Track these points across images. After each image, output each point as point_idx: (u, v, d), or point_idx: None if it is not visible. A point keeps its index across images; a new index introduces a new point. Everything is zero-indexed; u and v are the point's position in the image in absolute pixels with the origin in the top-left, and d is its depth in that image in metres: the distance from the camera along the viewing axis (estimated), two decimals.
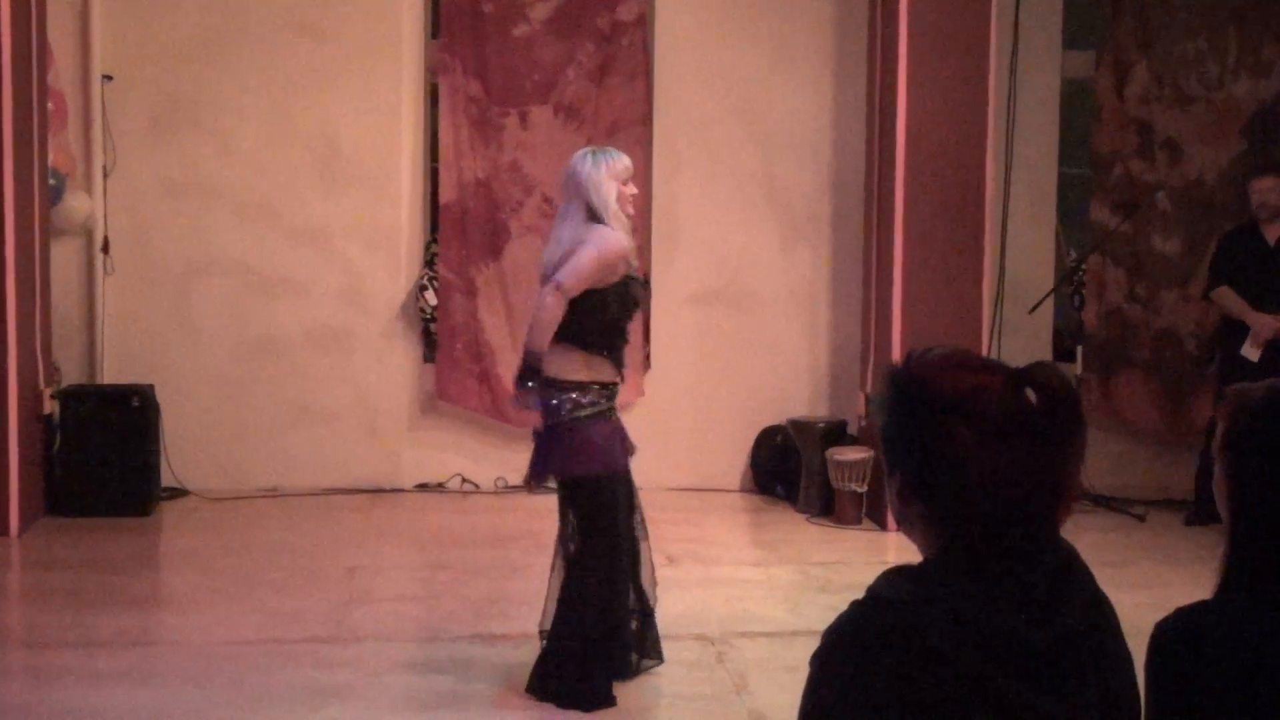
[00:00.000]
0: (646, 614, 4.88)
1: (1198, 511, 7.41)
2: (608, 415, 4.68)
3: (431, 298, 8.25)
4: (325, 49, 8.13)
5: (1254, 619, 1.84)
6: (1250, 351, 7.28)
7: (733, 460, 8.45)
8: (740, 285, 8.42)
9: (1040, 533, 1.70)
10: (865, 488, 7.49)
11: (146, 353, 8.05)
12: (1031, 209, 8.42)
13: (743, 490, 8.43)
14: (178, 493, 7.90)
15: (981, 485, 1.67)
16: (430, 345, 8.33)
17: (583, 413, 4.60)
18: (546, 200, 7.93)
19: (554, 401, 4.61)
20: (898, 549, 6.82)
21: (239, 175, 8.12)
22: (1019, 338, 8.09)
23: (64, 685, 4.82)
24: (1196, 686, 1.81)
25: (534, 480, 4.77)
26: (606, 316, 4.62)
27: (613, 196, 4.62)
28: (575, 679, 4.60)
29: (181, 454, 7.91)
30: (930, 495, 1.71)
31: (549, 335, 4.57)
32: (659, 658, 4.92)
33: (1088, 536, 6.46)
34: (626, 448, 4.75)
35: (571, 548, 4.65)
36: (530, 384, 4.60)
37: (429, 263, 8.32)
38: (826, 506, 7.67)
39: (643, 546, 4.86)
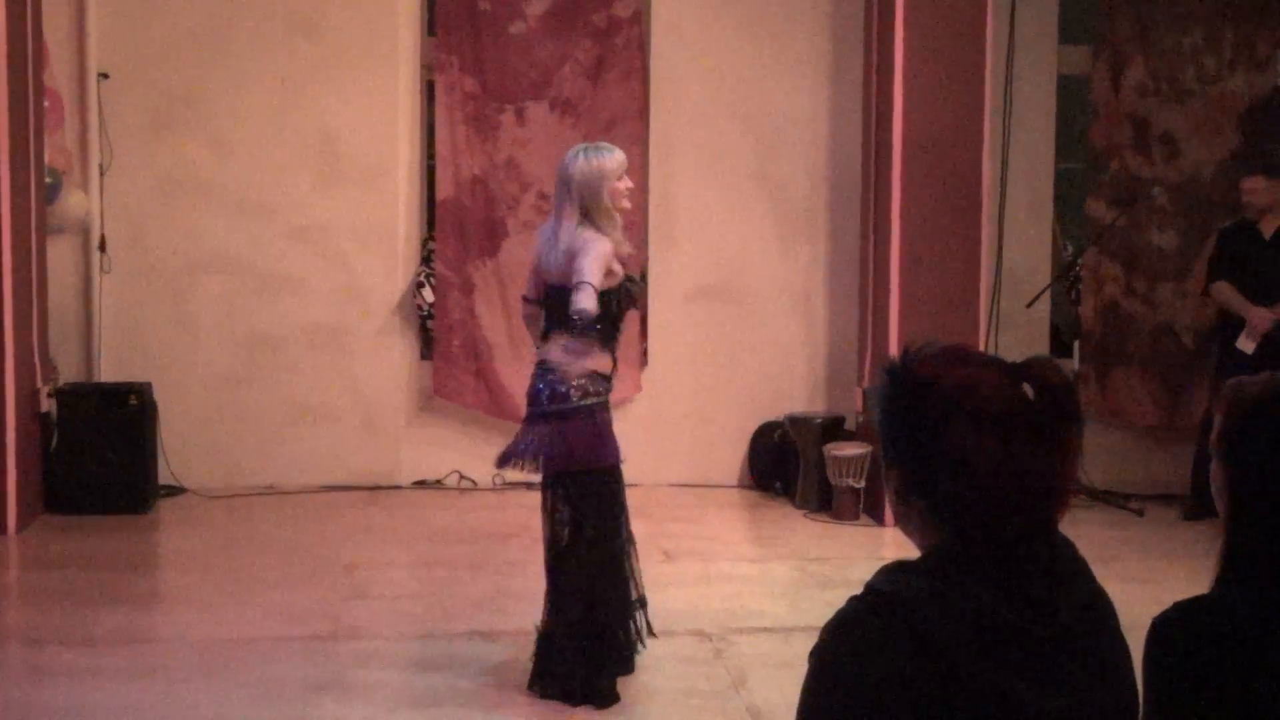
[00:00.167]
0: (642, 604, 4.88)
1: (1195, 505, 7.42)
2: (606, 407, 4.69)
3: (429, 295, 8.24)
4: (322, 47, 8.12)
5: (1251, 612, 1.84)
6: (1245, 344, 7.33)
7: (730, 456, 8.45)
8: (737, 281, 8.42)
9: (1038, 527, 1.70)
10: (863, 483, 7.49)
11: (144, 351, 8.04)
12: (1028, 204, 8.42)
13: (740, 486, 8.43)
14: (175, 490, 7.90)
15: (979, 480, 1.67)
16: (427, 342, 8.32)
17: (589, 400, 4.59)
18: (543, 197, 7.92)
19: (561, 388, 4.58)
20: (895, 544, 6.80)
21: (235, 173, 8.12)
22: (1016, 332, 8.11)
23: (62, 683, 4.81)
24: (1194, 680, 1.81)
25: (518, 461, 4.66)
26: (606, 314, 4.62)
27: (604, 194, 4.60)
28: (575, 674, 4.59)
29: (179, 452, 7.92)
30: (928, 490, 1.71)
31: (583, 343, 4.52)
32: (643, 645, 4.89)
33: (1085, 531, 6.38)
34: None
35: (563, 541, 4.62)
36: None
37: (426, 260, 8.31)
38: (824, 502, 7.67)
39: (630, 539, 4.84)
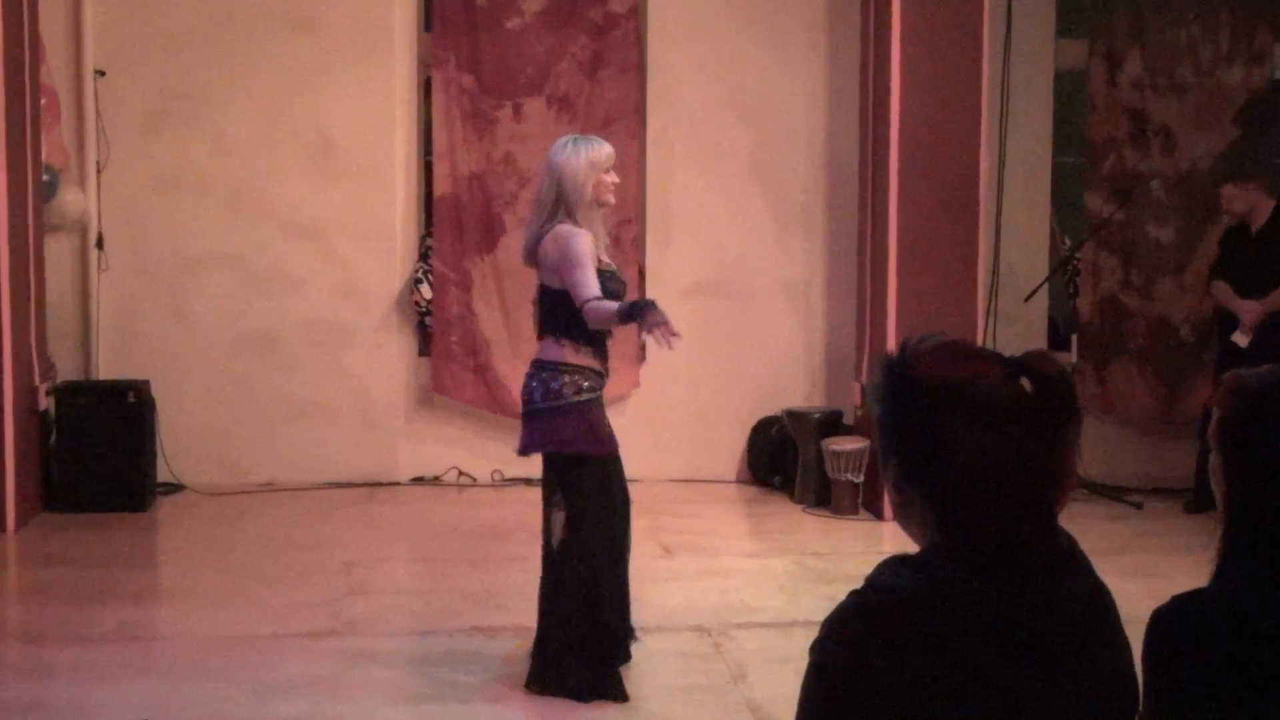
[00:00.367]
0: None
1: (1198, 498, 7.42)
2: (599, 403, 4.69)
3: (426, 291, 8.23)
4: (318, 43, 8.11)
5: (1251, 606, 1.83)
6: (1239, 339, 7.38)
7: (729, 451, 8.45)
8: (735, 276, 8.41)
9: (1037, 521, 1.69)
10: (862, 478, 7.49)
11: (142, 348, 8.03)
12: (1026, 198, 8.40)
13: (739, 481, 8.43)
14: (174, 488, 7.89)
15: (977, 474, 1.67)
16: (425, 339, 8.31)
17: (583, 396, 4.59)
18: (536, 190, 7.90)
19: (555, 384, 4.59)
20: (894, 539, 6.79)
21: (233, 170, 8.11)
22: (1014, 326, 8.10)
23: (62, 680, 4.82)
24: (1194, 674, 1.81)
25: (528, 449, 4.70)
26: (579, 315, 4.59)
27: (589, 186, 4.60)
28: (579, 671, 4.59)
29: (178, 449, 7.91)
30: (926, 485, 1.71)
31: (608, 313, 4.49)
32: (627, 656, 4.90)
33: (1084, 525, 6.36)
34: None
35: (559, 535, 4.61)
36: (644, 308, 4.44)
37: (424, 256, 8.30)
38: (823, 497, 7.66)
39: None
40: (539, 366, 4.64)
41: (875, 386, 1.77)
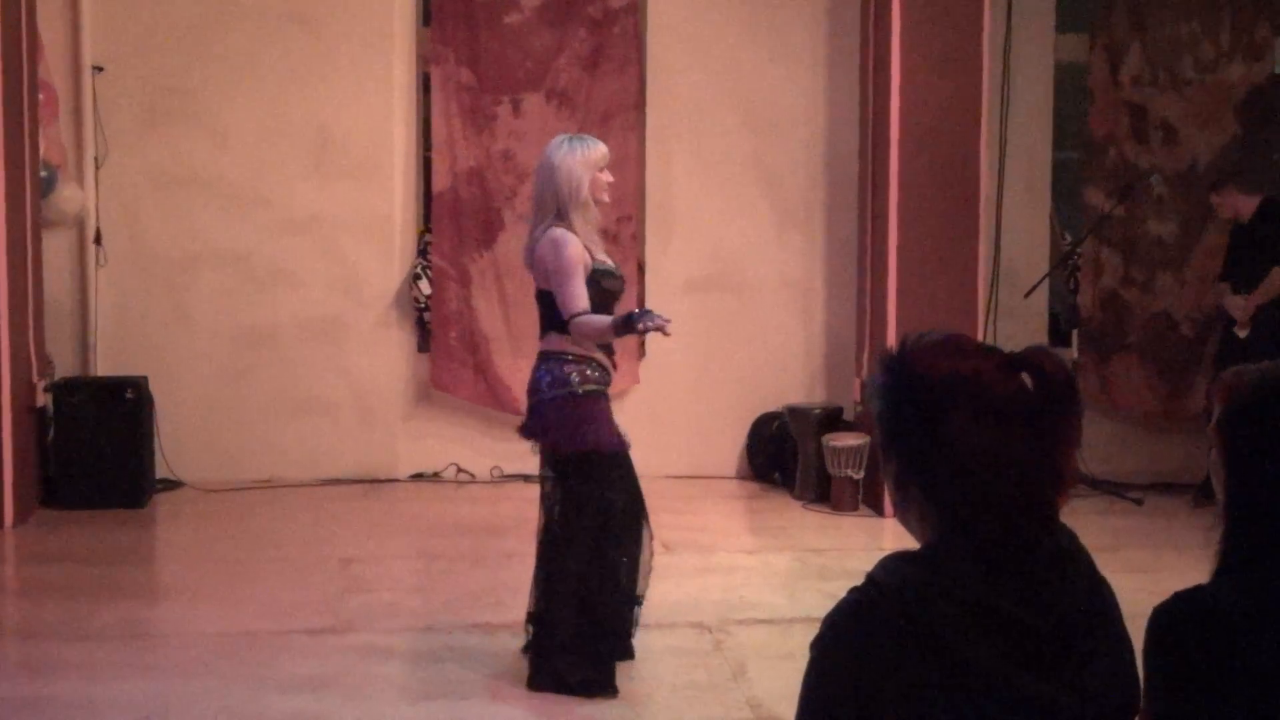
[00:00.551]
0: (636, 602, 4.85)
1: (1205, 492, 7.42)
2: (606, 397, 4.68)
3: (425, 287, 8.22)
4: (317, 38, 8.09)
5: (1251, 601, 1.83)
6: (1240, 330, 7.49)
7: (729, 447, 8.44)
8: (735, 272, 8.40)
9: (1039, 517, 1.69)
10: (862, 474, 7.48)
11: (140, 344, 8.01)
12: (1026, 193, 8.40)
13: (739, 477, 8.42)
14: (172, 484, 7.88)
15: (978, 471, 1.67)
16: (424, 335, 8.30)
17: (590, 387, 4.58)
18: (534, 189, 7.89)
19: (560, 373, 4.57)
20: (894, 535, 6.79)
21: (231, 166, 8.09)
22: (1014, 322, 8.08)
23: (60, 678, 4.80)
24: (1195, 670, 1.81)
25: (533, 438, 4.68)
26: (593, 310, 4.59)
27: (584, 186, 4.59)
28: (573, 666, 4.58)
29: (176, 445, 7.90)
30: (927, 481, 1.71)
31: (600, 326, 4.51)
32: (631, 653, 4.89)
33: (1085, 520, 6.34)
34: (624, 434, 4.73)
35: (555, 527, 4.60)
36: (638, 316, 4.42)
37: (422, 252, 8.29)
38: (823, 493, 7.65)
39: (645, 533, 4.81)
40: (545, 357, 4.64)
41: (875, 382, 1.78)
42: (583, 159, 4.59)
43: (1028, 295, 8.05)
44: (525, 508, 7.14)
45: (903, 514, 1.78)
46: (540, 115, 8.13)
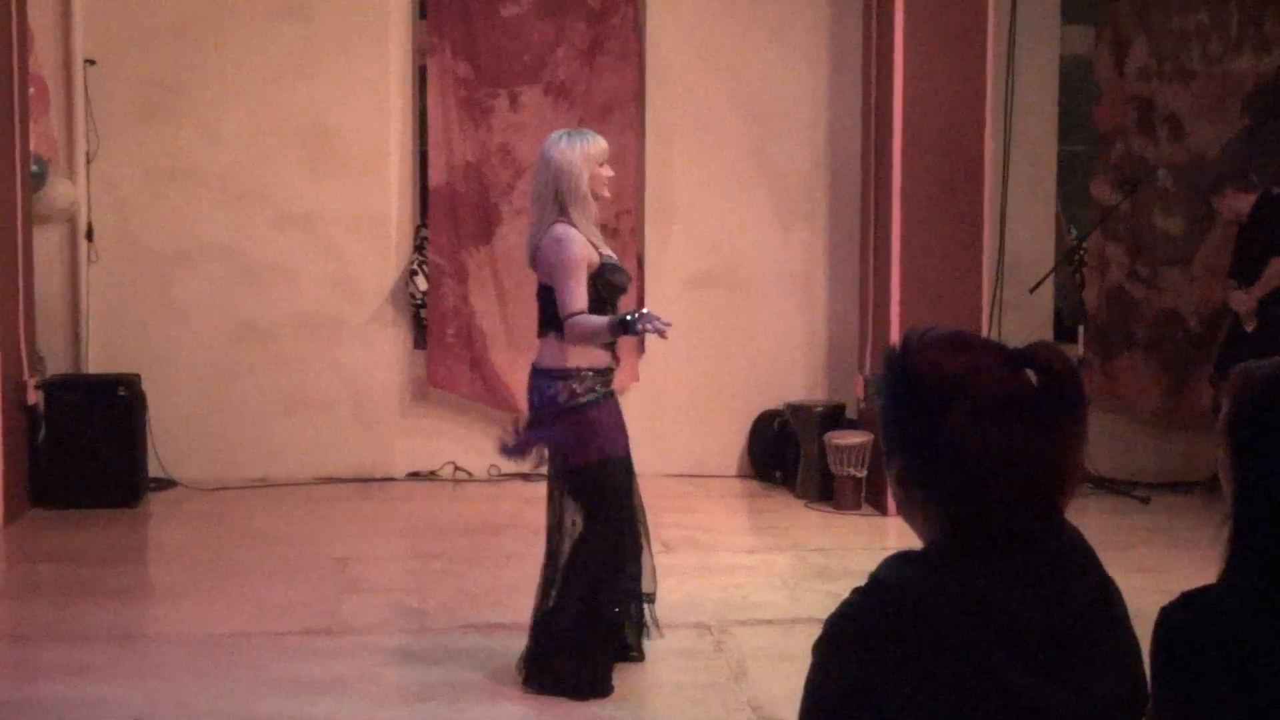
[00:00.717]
0: (648, 599, 4.85)
1: (1215, 488, 7.38)
2: (605, 400, 4.64)
3: (422, 283, 8.20)
4: (311, 31, 8.08)
5: (1260, 602, 1.81)
6: (1246, 324, 7.50)
7: (729, 445, 8.42)
8: (736, 267, 8.38)
9: (1043, 516, 1.68)
10: (865, 472, 7.46)
11: (132, 341, 8.00)
12: (1031, 187, 8.37)
13: (740, 476, 8.41)
14: (165, 483, 7.88)
15: (981, 469, 1.65)
16: (421, 331, 8.29)
17: (579, 400, 4.55)
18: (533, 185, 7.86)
19: (549, 391, 4.57)
20: (898, 534, 6.79)
21: (225, 160, 8.08)
22: (1019, 318, 8.06)
23: (51, 679, 4.79)
24: (1203, 671, 1.78)
25: (517, 452, 4.66)
26: (589, 308, 4.57)
27: (583, 181, 4.57)
28: (572, 667, 4.57)
29: (169, 444, 7.88)
30: (930, 480, 1.70)
31: (595, 327, 4.49)
32: (640, 655, 4.88)
33: (1091, 519, 6.39)
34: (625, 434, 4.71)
35: (574, 534, 4.61)
36: (636, 319, 4.41)
37: (419, 247, 8.27)
38: (825, 492, 7.64)
39: (641, 530, 4.82)
40: (535, 374, 4.65)
41: (877, 379, 1.79)
42: (582, 154, 4.57)
43: (1033, 291, 8.03)
44: (523, 507, 7.24)
45: (907, 513, 1.77)
46: (538, 108, 8.11)
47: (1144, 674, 1.76)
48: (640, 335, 4.51)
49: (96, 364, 7.96)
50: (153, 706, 4.49)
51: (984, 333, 7.10)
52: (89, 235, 7.94)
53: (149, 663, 4.98)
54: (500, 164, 8.13)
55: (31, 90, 7.43)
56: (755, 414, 8.35)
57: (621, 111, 8.12)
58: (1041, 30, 8.35)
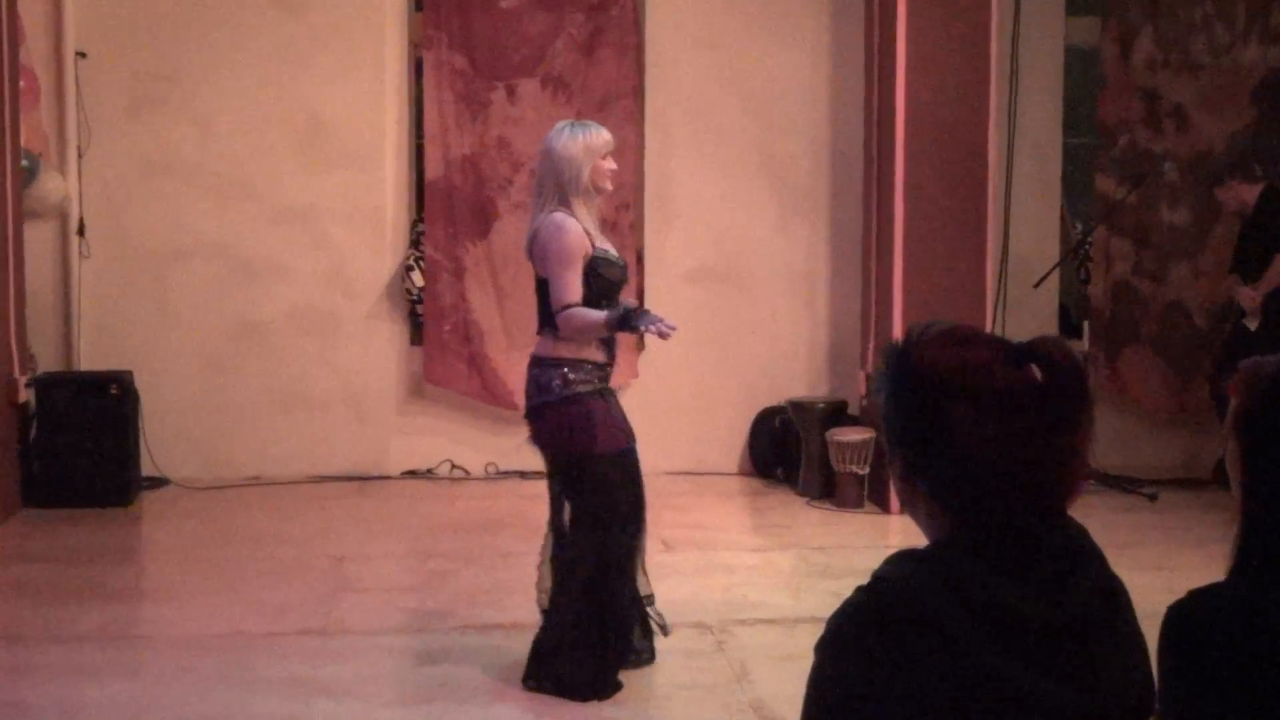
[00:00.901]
0: (649, 602, 4.83)
1: (1222, 481, 7.42)
2: (603, 395, 4.61)
3: (418, 279, 8.17)
4: (306, 23, 8.07)
5: (1270, 599, 1.79)
6: (1250, 322, 7.49)
7: (730, 443, 8.40)
8: (737, 263, 8.37)
9: (1047, 513, 1.67)
10: (867, 470, 7.43)
11: (125, 338, 7.99)
12: (1035, 181, 8.37)
13: (741, 474, 8.39)
14: (158, 482, 7.87)
15: (983, 465, 1.65)
16: (417, 328, 8.28)
17: (575, 389, 4.53)
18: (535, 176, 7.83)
19: (545, 380, 4.55)
20: (901, 532, 6.80)
21: (218, 155, 8.06)
22: (1024, 314, 8.03)
23: (44, 681, 4.75)
24: (1211, 670, 1.77)
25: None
26: (582, 303, 4.55)
27: (585, 172, 4.55)
28: (574, 665, 4.54)
29: (162, 442, 7.86)
30: (932, 477, 1.69)
31: (591, 321, 4.46)
32: (651, 654, 4.85)
33: (1097, 517, 6.29)
34: (628, 428, 4.67)
35: (563, 531, 4.59)
36: (638, 317, 4.42)
37: (415, 243, 8.24)
38: (827, 489, 7.62)
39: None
40: (532, 363, 4.64)
41: (879, 375, 1.77)
42: (584, 145, 4.55)
43: (1037, 286, 8.01)
44: (521, 505, 7.24)
45: (911, 510, 1.76)
46: (536, 101, 8.10)
47: (1151, 673, 1.75)
48: (640, 334, 4.48)
49: (88, 361, 7.95)
50: (147, 709, 4.46)
51: (988, 328, 7.05)
52: (80, 230, 7.92)
53: (142, 665, 4.95)
54: (498, 157, 8.11)
55: (22, 83, 7.40)
56: (756, 411, 8.33)
57: (620, 104, 8.09)
58: (1046, 21, 8.34)
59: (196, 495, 7.69)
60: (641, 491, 4.71)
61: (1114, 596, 1.72)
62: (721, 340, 8.31)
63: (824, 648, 1.67)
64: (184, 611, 5.56)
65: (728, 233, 8.33)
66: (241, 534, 6.90)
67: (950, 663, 1.58)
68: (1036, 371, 1.65)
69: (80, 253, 7.92)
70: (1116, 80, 8.31)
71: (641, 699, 4.56)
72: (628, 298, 4.81)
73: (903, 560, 1.68)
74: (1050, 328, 8.28)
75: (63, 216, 7.90)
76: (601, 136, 4.60)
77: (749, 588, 5.92)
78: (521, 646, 4.73)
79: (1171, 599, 1.83)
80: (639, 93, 8.22)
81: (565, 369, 4.52)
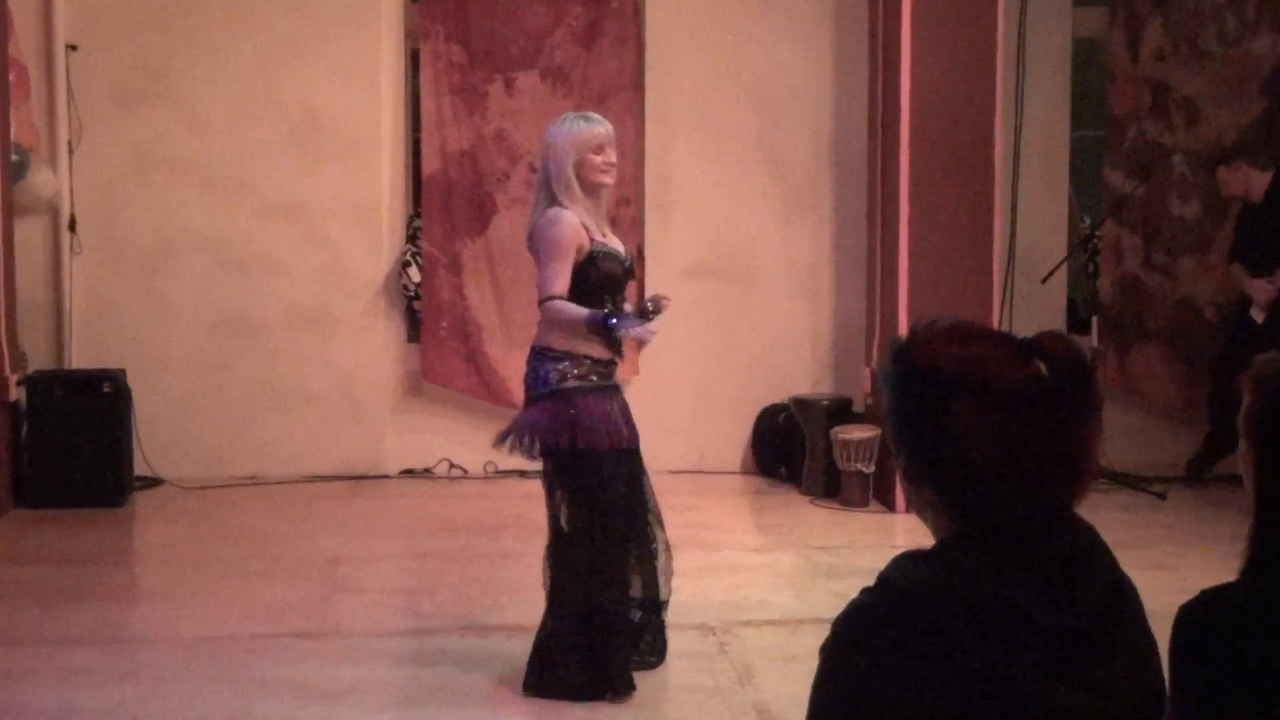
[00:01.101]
0: (652, 607, 4.75)
1: (1198, 468, 7.68)
2: (603, 391, 4.55)
3: (415, 274, 8.15)
4: (300, 15, 8.04)
5: None
6: (1256, 314, 7.49)
7: (733, 441, 8.38)
8: (739, 258, 8.35)
9: (1054, 512, 1.67)
10: (872, 468, 7.40)
11: (117, 336, 7.96)
12: (1043, 174, 8.34)
13: (744, 472, 8.38)
14: (152, 482, 7.84)
15: (989, 463, 1.64)
16: (414, 324, 8.26)
17: (571, 384, 4.48)
18: (534, 170, 7.74)
19: (541, 371, 4.51)
20: (906, 531, 6.80)
21: (211, 149, 8.04)
22: (1031, 309, 8.00)
23: (36, 684, 4.72)
24: (1223, 670, 1.78)
25: (511, 443, 4.60)
26: (582, 298, 4.50)
27: (568, 165, 4.50)
28: (572, 666, 4.49)
29: (155, 441, 7.83)
30: (938, 475, 1.69)
31: (571, 317, 4.44)
32: (659, 656, 4.80)
33: (1106, 516, 6.23)
34: (629, 429, 4.61)
35: (557, 528, 4.54)
36: (618, 323, 4.40)
37: (412, 238, 8.22)
38: (832, 488, 7.59)
39: (657, 534, 4.76)
40: (531, 354, 4.60)
41: (884, 372, 1.76)
42: (568, 137, 4.51)
43: (1045, 280, 8.00)
44: (520, 505, 7.24)
45: (917, 508, 1.76)
46: (534, 94, 8.07)
47: (1161, 674, 1.74)
48: (618, 340, 4.45)
49: (80, 359, 7.92)
50: (141, 712, 4.43)
51: (995, 324, 7.13)
52: (72, 226, 7.89)
53: (135, 667, 4.91)
54: (495, 151, 8.08)
55: (11, 77, 7.35)
56: (759, 408, 8.31)
57: (620, 97, 8.07)
58: (1053, 12, 8.32)
59: (190, 495, 7.67)
60: (641, 492, 4.66)
61: (1123, 596, 1.70)
62: (724, 336, 8.30)
63: (829, 651, 1.66)
64: (178, 613, 5.53)
65: (730, 227, 8.31)
66: (236, 534, 6.88)
67: (957, 665, 1.58)
68: (1043, 368, 1.64)
69: (71, 248, 7.89)
70: (1124, 71, 8.31)
71: (642, 701, 4.52)
72: (629, 298, 4.77)
73: (908, 561, 1.67)
74: (1058, 323, 8.32)
75: (53, 212, 7.86)
76: (590, 129, 4.54)
77: (752, 588, 5.89)
78: (521, 649, 4.68)
79: (1181, 598, 1.82)
80: (639, 85, 8.19)
81: (564, 362, 4.48)
